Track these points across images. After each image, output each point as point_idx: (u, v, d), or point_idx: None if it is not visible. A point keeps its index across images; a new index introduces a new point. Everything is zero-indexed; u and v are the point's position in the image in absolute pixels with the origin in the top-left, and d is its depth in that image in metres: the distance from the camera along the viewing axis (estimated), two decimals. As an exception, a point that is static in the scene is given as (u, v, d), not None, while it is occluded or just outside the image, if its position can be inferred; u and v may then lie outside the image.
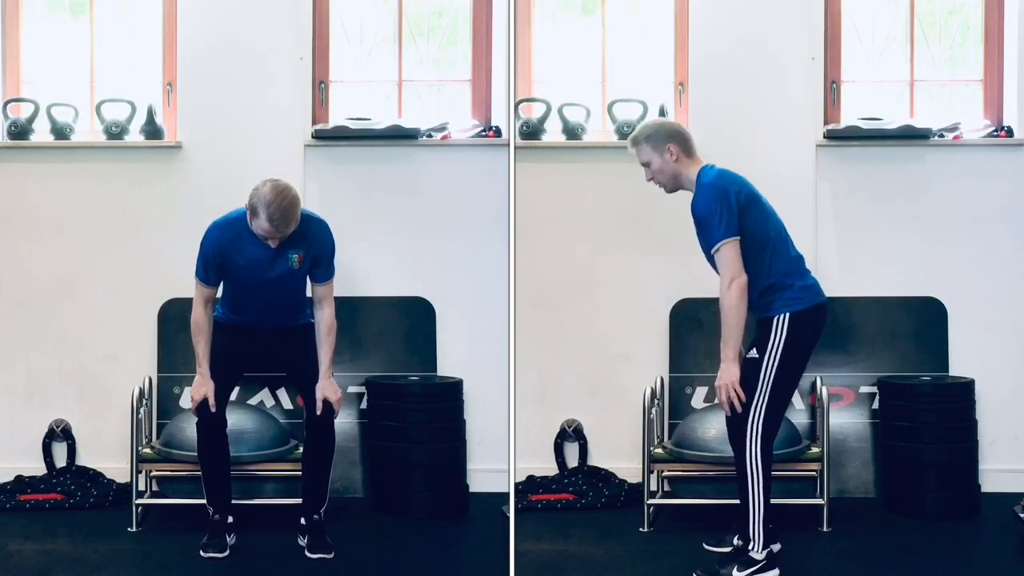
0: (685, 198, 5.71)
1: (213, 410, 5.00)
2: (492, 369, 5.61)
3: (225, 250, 5.00)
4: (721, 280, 4.62)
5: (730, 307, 4.60)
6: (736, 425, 4.73)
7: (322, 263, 5.08)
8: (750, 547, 4.70)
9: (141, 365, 5.82)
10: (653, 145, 4.76)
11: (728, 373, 4.65)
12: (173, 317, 5.82)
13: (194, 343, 5.08)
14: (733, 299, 4.59)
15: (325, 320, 5.10)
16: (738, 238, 4.62)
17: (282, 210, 4.82)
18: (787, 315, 4.66)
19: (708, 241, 4.66)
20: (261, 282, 5.02)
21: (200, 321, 5.06)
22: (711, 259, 4.72)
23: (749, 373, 4.71)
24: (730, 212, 4.63)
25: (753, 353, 4.71)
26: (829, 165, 5.94)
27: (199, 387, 5.03)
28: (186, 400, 5.78)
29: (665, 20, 6.07)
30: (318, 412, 5.02)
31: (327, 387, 5.05)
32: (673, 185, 4.81)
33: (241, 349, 5.11)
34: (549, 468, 5.91)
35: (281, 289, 5.06)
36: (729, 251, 4.60)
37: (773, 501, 4.76)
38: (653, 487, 5.49)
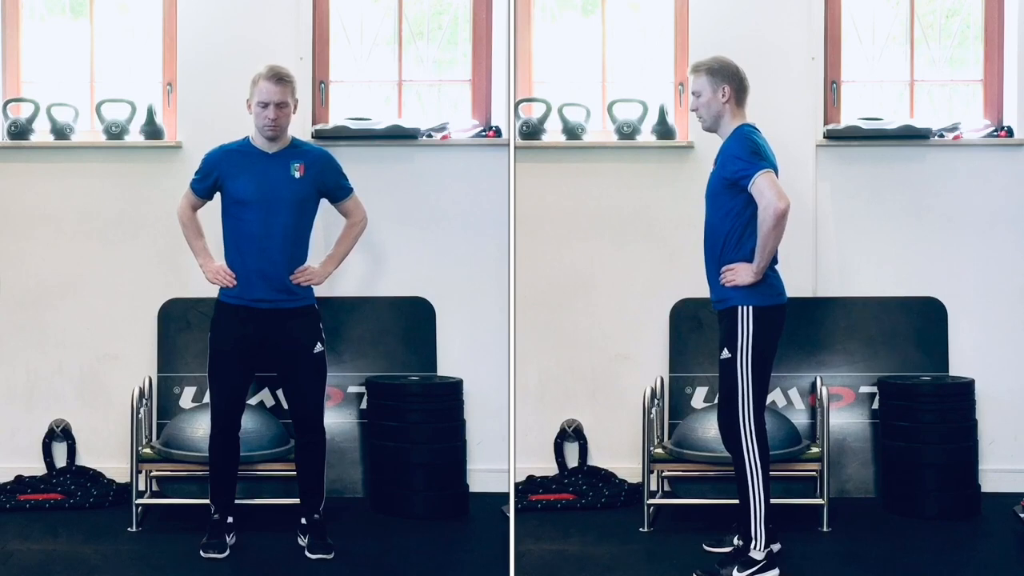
0: (685, 197, 5.74)
1: (234, 284, 4.97)
2: (492, 369, 5.61)
3: (227, 159, 5.01)
4: (761, 208, 4.58)
5: (767, 230, 4.58)
6: (728, 427, 4.75)
7: (333, 179, 5.09)
8: (751, 546, 4.70)
9: (141, 365, 5.82)
10: (712, 78, 4.76)
11: (742, 276, 4.66)
12: (173, 317, 5.83)
13: (184, 236, 5.14)
14: (769, 223, 4.57)
15: (354, 217, 5.17)
16: (773, 171, 4.62)
17: (277, 69, 4.95)
18: (751, 308, 4.68)
19: (735, 173, 4.63)
20: (263, 195, 4.93)
21: (186, 215, 5.12)
22: (719, 192, 4.71)
23: (726, 375, 4.73)
24: (765, 153, 4.67)
25: (725, 354, 4.73)
26: (829, 165, 5.94)
27: (212, 273, 5.02)
28: (186, 400, 5.79)
29: (665, 20, 6.07)
30: (294, 280, 5.00)
31: (316, 268, 5.06)
32: (712, 123, 4.80)
33: (246, 345, 4.99)
34: (549, 468, 5.91)
35: (284, 209, 4.94)
36: (765, 179, 4.58)
37: (773, 501, 4.76)
38: (653, 487, 5.49)
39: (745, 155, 4.65)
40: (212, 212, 5.11)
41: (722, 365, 4.75)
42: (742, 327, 4.68)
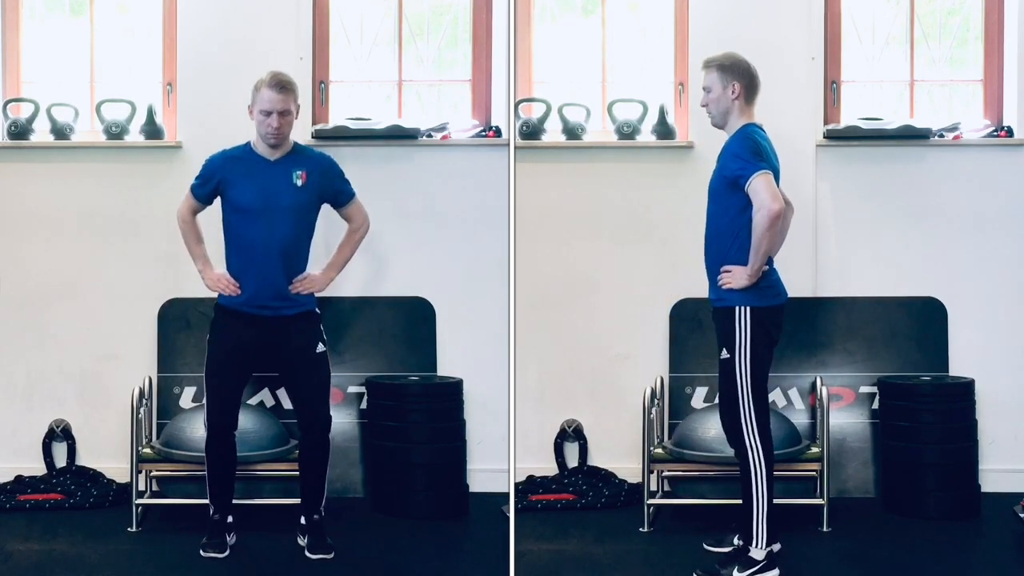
0: (685, 197, 5.74)
1: (238, 292, 4.95)
2: (492, 369, 5.61)
3: (228, 165, 4.98)
4: (756, 210, 4.57)
5: (760, 232, 4.57)
6: (732, 426, 4.75)
7: (335, 185, 5.06)
8: (752, 546, 4.70)
9: (141, 365, 5.82)
10: (723, 74, 4.75)
11: (738, 280, 4.66)
12: (173, 317, 5.83)
13: (183, 240, 5.10)
14: (763, 226, 4.56)
15: (356, 222, 5.13)
16: (771, 173, 4.61)
17: (280, 76, 4.91)
18: (748, 308, 4.68)
19: (734, 172, 4.62)
20: (265, 203, 4.90)
21: (185, 219, 5.07)
22: (719, 190, 4.71)
23: (726, 374, 4.74)
24: (765, 154, 4.65)
25: (724, 354, 4.73)
26: (829, 165, 5.94)
27: (213, 281, 5.00)
28: (186, 400, 5.79)
29: (665, 20, 6.07)
30: (294, 289, 4.99)
31: (316, 276, 5.04)
32: (720, 119, 4.79)
33: (244, 348, 4.99)
34: (549, 468, 5.91)
35: (286, 217, 4.92)
36: (761, 180, 4.56)
37: (773, 501, 4.76)
38: (653, 487, 5.49)
39: (746, 155, 4.64)
40: (212, 216, 5.09)
41: (722, 365, 4.76)
42: (740, 328, 4.69)
